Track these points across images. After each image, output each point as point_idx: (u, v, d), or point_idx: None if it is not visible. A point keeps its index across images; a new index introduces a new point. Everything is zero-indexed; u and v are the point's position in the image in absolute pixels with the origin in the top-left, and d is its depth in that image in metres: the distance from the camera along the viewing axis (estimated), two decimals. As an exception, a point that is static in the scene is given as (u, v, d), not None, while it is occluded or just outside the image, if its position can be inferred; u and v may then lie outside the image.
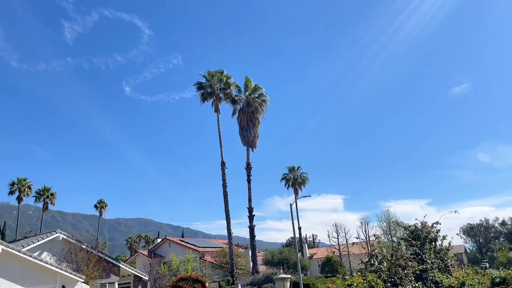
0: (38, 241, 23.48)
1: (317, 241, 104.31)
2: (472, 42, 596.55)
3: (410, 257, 15.06)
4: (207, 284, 29.36)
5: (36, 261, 18.29)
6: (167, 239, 58.97)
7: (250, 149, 45.54)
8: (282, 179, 70.62)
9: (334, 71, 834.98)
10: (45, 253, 23.70)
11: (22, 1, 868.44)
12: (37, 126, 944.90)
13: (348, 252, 49.55)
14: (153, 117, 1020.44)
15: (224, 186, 43.37)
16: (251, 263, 44.73)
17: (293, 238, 45.80)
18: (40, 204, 73.36)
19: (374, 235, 23.04)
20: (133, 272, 29.62)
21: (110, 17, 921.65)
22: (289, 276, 17.80)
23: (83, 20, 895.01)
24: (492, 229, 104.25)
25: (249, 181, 45.07)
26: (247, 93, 46.01)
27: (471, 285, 14.49)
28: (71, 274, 19.67)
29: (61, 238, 24.56)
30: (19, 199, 68.95)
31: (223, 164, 43.60)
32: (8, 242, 21.95)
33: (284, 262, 46.06)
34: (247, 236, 45.48)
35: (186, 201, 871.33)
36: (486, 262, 72.26)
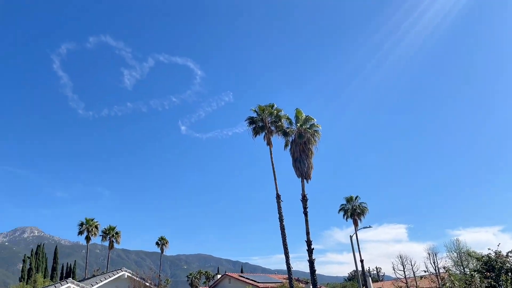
0: (106, 279, 24.45)
1: (382, 274, 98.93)
2: None
3: (485, 291, 13.88)
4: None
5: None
6: (227, 275, 58.83)
7: (305, 180, 45.01)
8: (340, 210, 68.68)
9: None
10: (112, 291, 24.60)
11: (87, 54, 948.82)
12: (102, 169, 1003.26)
13: (416, 286, 46.47)
14: (208, 153, 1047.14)
15: (281, 219, 42.92)
16: (312, 298, 43.23)
17: (356, 271, 43.90)
18: (106, 243, 76.67)
19: (444, 267, 21.60)
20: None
21: (165, 61, 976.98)
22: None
23: (141, 67, 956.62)
24: None
25: (305, 214, 44.25)
26: (298, 124, 46.04)
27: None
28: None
29: (126, 276, 25.42)
30: (88, 238, 72.69)
31: (278, 197, 43.38)
32: (78, 281, 23.07)
33: (347, 297, 44.09)
34: (307, 270, 44.21)
35: (243, 235, 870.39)
36: None
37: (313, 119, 46.25)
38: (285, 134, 46.06)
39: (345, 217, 67.94)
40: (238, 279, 53.73)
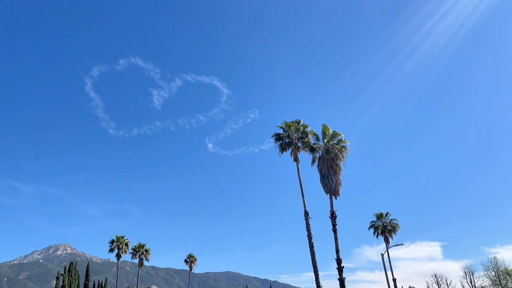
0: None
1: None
2: None
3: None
4: None
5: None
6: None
7: (333, 197, 44.30)
8: (370, 227, 67.01)
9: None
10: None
11: (118, 75, 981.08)
12: (132, 187, 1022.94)
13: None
14: (234, 170, 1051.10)
15: (309, 236, 42.28)
16: (344, 319, 42.00)
17: (388, 291, 42.51)
18: (136, 260, 77.51)
19: (482, 287, 20.54)
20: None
21: (192, 81, 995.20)
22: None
23: (169, 87, 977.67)
24: None
25: (335, 231, 43.41)
26: (325, 140, 45.66)
27: None
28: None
29: (155, 294, 25.48)
30: (118, 256, 73.70)
31: (306, 214, 42.86)
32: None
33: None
34: (337, 289, 43.16)
35: (272, 253, 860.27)
36: None
37: (341, 135, 45.73)
38: (312, 150, 45.69)
39: (376, 234, 66.22)
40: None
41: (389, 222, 65.75)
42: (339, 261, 42.03)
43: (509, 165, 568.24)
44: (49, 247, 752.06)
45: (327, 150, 44.54)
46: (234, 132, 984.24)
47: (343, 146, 45.35)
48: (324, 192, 44.85)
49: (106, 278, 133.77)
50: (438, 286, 47.50)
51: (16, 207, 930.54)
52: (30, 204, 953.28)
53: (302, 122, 46.27)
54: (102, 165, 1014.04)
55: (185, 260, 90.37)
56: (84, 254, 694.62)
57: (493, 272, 43.53)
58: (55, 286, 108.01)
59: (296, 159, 45.10)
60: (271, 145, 46.79)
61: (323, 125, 46.45)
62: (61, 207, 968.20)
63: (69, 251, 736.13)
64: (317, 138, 46.15)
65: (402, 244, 47.87)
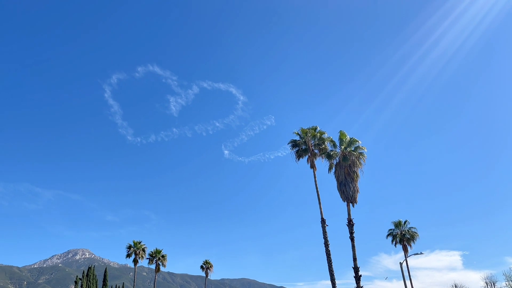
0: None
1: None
2: None
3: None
4: None
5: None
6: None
7: (351, 204, 43.83)
8: (388, 235, 65.93)
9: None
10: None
11: (136, 82, 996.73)
12: (149, 193, 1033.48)
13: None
14: (250, 177, 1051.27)
15: (326, 244, 41.87)
16: (361, 328, 41.29)
17: (407, 301, 41.64)
18: (152, 266, 77.93)
19: (505, 298, 19.90)
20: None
21: (209, 88, 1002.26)
22: None
23: (186, 94, 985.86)
24: None
25: (352, 239, 42.89)
26: (343, 147, 45.31)
27: None
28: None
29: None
30: (135, 261, 74.29)
31: (323, 221, 42.49)
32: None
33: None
34: (355, 298, 42.51)
35: (288, 260, 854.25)
36: None
37: (358, 141, 45.32)
38: (329, 157, 45.38)
39: (394, 242, 65.11)
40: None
41: (408, 231, 64.56)
42: (356, 269, 41.44)
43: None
44: (68, 252, 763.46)
45: (344, 157, 44.16)
46: (250, 139, 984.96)
47: (361, 153, 44.88)
48: (341, 199, 44.44)
49: (123, 283, 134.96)
50: (459, 296, 46.27)
51: (36, 212, 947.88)
52: (50, 209, 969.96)
53: (318, 128, 46.08)
54: (120, 171, 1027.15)
55: (201, 266, 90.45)
56: (102, 259, 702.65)
57: (516, 283, 42.18)
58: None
59: (312, 166, 44.85)
60: (287, 152, 46.82)
61: (340, 131, 46.12)
62: (80, 213, 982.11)
63: (87, 256, 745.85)
64: (334, 145, 45.82)
65: (421, 253, 46.87)
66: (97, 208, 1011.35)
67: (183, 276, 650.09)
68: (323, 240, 42.19)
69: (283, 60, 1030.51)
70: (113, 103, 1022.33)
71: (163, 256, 77.17)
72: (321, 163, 46.03)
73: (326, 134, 45.94)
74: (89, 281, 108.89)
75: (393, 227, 65.68)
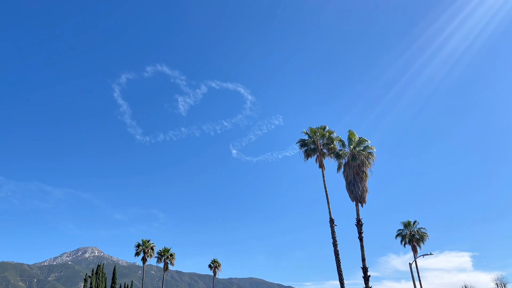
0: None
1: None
2: None
3: None
4: None
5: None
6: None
7: (359, 204, 43.55)
8: (397, 235, 65.45)
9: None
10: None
11: (145, 82, 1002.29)
12: (157, 192, 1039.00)
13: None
14: (258, 176, 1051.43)
15: (335, 244, 41.70)
16: (370, 329, 41.05)
17: (416, 302, 41.29)
18: (161, 264, 78.27)
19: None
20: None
21: (217, 88, 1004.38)
22: None
23: (194, 93, 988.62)
24: None
25: (361, 239, 42.61)
26: (351, 146, 45.00)
27: None
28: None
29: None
30: (144, 260, 74.69)
31: (331, 221, 42.31)
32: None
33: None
34: (363, 298, 42.25)
35: (295, 260, 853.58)
36: None
37: (367, 141, 44.97)
38: (338, 156, 45.09)
39: (403, 243, 64.63)
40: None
41: (417, 231, 64.03)
42: (365, 269, 41.21)
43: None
44: (78, 250, 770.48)
45: (353, 157, 43.84)
46: (258, 138, 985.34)
47: (370, 152, 44.53)
48: (350, 199, 44.18)
49: (132, 281, 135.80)
50: (469, 298, 45.77)
51: (46, 210, 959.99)
52: (60, 207, 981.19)
53: (327, 128, 45.84)
54: (129, 170, 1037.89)
55: (209, 265, 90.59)
56: (111, 257, 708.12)
57: (527, 285, 41.57)
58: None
59: (321, 166, 44.66)
60: (295, 151, 46.84)
61: (349, 131, 45.81)
62: (89, 211, 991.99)
63: (96, 254, 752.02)
64: (343, 144, 45.52)
65: (431, 254, 46.34)
66: (106, 206, 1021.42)
67: (191, 275, 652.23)
68: (331, 240, 42.07)
69: (291, 60, 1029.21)
70: (122, 102, 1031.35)
71: (171, 255, 77.45)
72: (330, 162, 45.80)
73: (335, 134, 45.72)
74: (98, 279, 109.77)
75: (402, 228, 65.21)
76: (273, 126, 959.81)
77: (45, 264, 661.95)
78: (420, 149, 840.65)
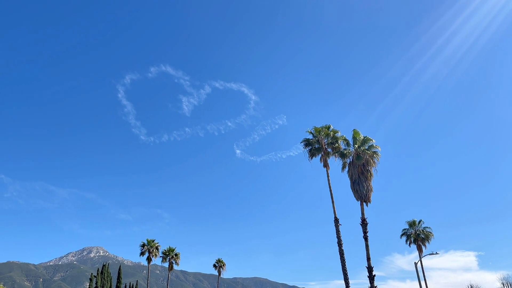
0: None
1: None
2: None
3: None
4: None
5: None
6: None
7: (364, 203, 43.47)
8: (402, 235, 65.17)
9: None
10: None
11: (149, 83, 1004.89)
12: (162, 192, 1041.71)
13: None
14: (262, 176, 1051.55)
15: (340, 243, 41.61)
16: (375, 329, 40.94)
17: (422, 301, 41.14)
18: (166, 264, 78.43)
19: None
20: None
21: (221, 88, 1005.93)
22: None
23: (198, 93, 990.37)
24: None
25: (366, 238, 42.51)
26: (356, 145, 44.91)
27: None
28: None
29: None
30: (149, 259, 74.87)
31: (336, 220, 42.23)
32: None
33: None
34: (369, 298, 42.15)
35: (300, 259, 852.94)
36: None
37: (372, 140, 44.86)
38: (343, 155, 45.04)
39: (408, 242, 64.35)
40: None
41: (422, 230, 63.74)
42: (370, 269, 41.09)
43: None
44: (83, 249, 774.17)
45: (358, 156, 43.76)
46: (262, 138, 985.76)
47: (375, 151, 44.42)
48: (354, 198, 44.10)
49: (137, 281, 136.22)
50: (475, 297, 45.52)
51: (51, 210, 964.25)
52: (65, 207, 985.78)
53: (332, 127, 45.74)
54: (133, 171, 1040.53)
55: (214, 265, 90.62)
56: (116, 256, 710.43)
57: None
58: (88, 287, 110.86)
59: (326, 165, 44.58)
60: (299, 151, 47.03)
61: (354, 130, 45.73)
62: (94, 211, 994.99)
63: (101, 254, 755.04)
64: (348, 144, 45.43)
65: (436, 253, 46.19)
66: (110, 206, 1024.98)
67: (196, 275, 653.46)
68: (335, 240, 41.96)
69: (294, 60, 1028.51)
70: (126, 103, 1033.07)
71: (176, 255, 77.59)
72: (334, 162, 45.73)
73: (339, 133, 45.62)
74: (104, 278, 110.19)
75: (407, 227, 64.92)
76: (277, 126, 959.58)
77: (51, 264, 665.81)
78: (425, 148, 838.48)
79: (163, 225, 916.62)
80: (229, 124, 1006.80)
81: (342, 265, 40.99)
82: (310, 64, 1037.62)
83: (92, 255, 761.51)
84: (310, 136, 46.21)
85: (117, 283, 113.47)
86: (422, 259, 58.00)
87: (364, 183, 42.86)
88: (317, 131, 45.79)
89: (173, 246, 78.04)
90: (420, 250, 62.66)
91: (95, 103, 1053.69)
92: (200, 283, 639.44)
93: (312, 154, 45.68)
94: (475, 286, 48.22)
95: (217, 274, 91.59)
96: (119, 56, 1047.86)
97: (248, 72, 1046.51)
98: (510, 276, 67.12)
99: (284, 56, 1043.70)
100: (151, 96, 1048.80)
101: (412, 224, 64.60)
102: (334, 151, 45.09)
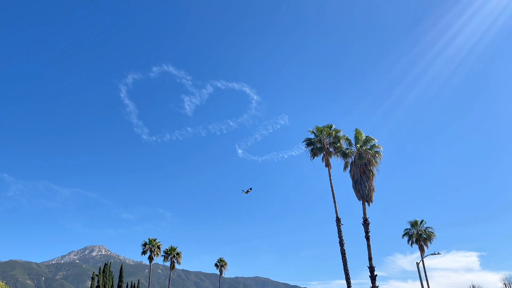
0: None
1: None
2: None
3: None
4: None
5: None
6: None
7: (366, 203, 43.40)
8: (404, 235, 65.10)
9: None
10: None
11: (151, 82, 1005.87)
12: (164, 191, 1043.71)
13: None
14: (264, 176, 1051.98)
15: (341, 243, 41.59)
16: (377, 329, 40.89)
17: (424, 301, 41.06)
18: (167, 263, 78.53)
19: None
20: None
21: (223, 87, 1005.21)
22: None
23: (200, 93, 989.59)
24: None
25: (367, 238, 42.45)
26: (358, 145, 44.82)
27: None
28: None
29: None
30: (150, 258, 74.96)
31: (338, 220, 42.21)
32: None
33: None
34: (370, 298, 42.09)
35: (302, 259, 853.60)
36: None
37: (374, 140, 44.76)
38: (344, 155, 44.95)
39: (410, 242, 64.29)
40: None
41: (424, 230, 63.64)
42: (372, 269, 41.04)
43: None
44: (85, 248, 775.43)
45: (360, 156, 43.65)
46: (263, 138, 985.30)
47: (377, 151, 44.30)
48: (356, 198, 44.03)
49: (138, 280, 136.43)
50: (477, 298, 45.38)
51: (54, 209, 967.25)
52: (67, 206, 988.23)
53: (334, 127, 45.69)
54: (136, 170, 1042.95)
55: (216, 264, 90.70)
56: (118, 256, 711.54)
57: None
58: (90, 286, 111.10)
59: (327, 165, 44.55)
60: (301, 151, 47.05)
61: (356, 130, 45.62)
62: (97, 210, 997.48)
63: (103, 253, 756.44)
64: (350, 143, 45.34)
65: (438, 253, 45.99)
66: (113, 205, 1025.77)
67: (198, 274, 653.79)
68: (337, 239, 41.96)
69: (296, 59, 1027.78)
70: (128, 102, 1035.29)
71: (178, 254, 77.67)
72: (336, 161, 45.69)
73: (341, 133, 45.57)
74: (106, 277, 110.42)
75: (409, 227, 64.85)
76: (278, 126, 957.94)
77: (53, 262, 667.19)
78: (427, 148, 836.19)
79: (165, 224, 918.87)
80: (231, 123, 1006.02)
81: (343, 265, 40.97)
82: (312, 64, 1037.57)
83: (94, 254, 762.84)
84: (312, 136, 46.18)
85: (118, 282, 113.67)
86: (424, 259, 57.91)
87: (366, 183, 42.77)
88: (319, 131, 45.74)
89: (174, 245, 77.94)
90: (422, 250, 62.58)
91: (98, 102, 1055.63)
92: (202, 282, 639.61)
93: (314, 153, 45.64)
94: (477, 287, 48.28)
95: (219, 273, 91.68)
96: (122, 56, 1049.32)
97: (250, 72, 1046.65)
98: (512, 277, 67.06)
99: (286, 55, 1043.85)
100: (153, 96, 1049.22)
101: (414, 224, 64.51)
102: (336, 150, 45.04)
